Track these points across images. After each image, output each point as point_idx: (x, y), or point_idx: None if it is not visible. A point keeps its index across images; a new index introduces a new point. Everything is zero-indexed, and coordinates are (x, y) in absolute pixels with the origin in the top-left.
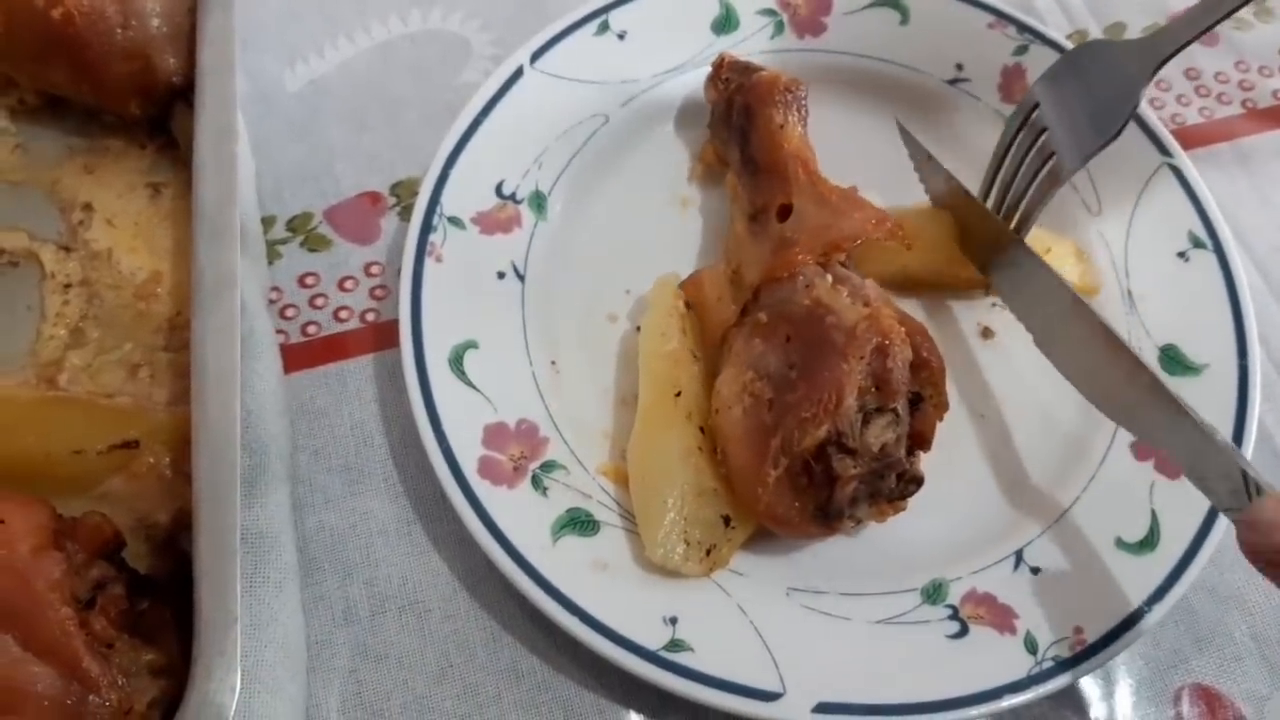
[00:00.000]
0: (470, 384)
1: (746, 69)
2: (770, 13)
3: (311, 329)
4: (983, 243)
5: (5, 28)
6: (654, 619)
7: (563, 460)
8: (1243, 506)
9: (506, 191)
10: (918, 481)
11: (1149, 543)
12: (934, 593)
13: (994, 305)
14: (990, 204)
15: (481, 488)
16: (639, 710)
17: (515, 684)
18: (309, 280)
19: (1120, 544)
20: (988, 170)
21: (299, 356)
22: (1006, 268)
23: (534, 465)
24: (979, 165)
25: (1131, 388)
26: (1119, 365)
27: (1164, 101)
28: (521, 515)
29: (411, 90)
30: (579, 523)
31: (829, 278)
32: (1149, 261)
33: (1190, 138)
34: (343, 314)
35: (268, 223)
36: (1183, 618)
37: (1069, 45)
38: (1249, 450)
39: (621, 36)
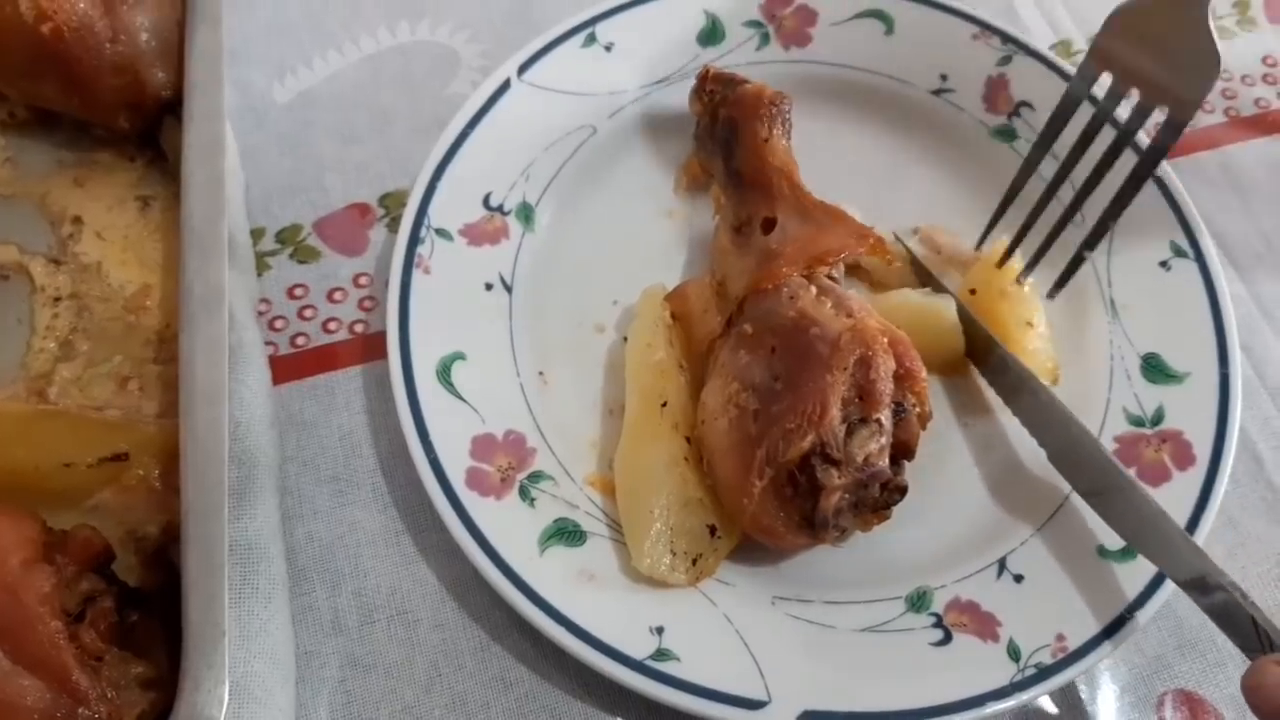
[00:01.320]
0: (458, 395)
1: (731, 81)
2: (756, 24)
3: (300, 340)
4: (978, 351)
5: None
6: (640, 628)
7: (550, 471)
8: (1251, 649)
9: (494, 203)
10: (902, 491)
11: (1131, 550)
12: (918, 601)
13: None
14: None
15: (469, 498)
16: (626, 719)
17: (503, 693)
18: (298, 292)
19: (1103, 551)
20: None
21: (288, 368)
22: (1013, 393)
23: (521, 476)
24: (963, 176)
25: (1149, 520)
26: (1134, 501)
27: None
28: (509, 526)
29: (400, 102)
30: (566, 533)
31: (813, 289)
32: (1131, 271)
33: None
34: (331, 325)
35: (257, 234)
36: (1166, 624)
37: (1052, 56)
38: (1230, 457)
39: (609, 48)
